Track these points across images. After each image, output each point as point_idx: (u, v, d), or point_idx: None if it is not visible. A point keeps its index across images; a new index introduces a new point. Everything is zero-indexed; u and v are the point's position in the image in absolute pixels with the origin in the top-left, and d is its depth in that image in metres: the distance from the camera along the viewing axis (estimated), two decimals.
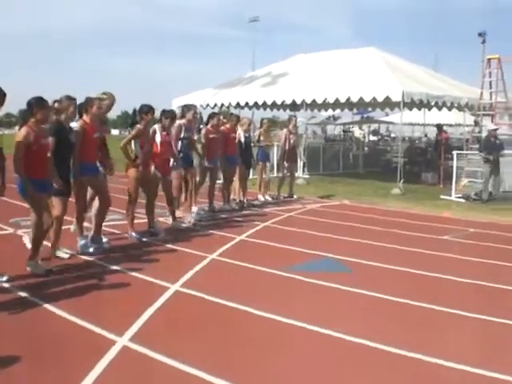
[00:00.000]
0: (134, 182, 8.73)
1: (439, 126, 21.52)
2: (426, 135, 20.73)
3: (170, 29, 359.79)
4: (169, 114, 9.72)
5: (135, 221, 9.01)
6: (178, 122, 10.30)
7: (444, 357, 4.50)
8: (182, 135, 10.27)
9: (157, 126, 9.39)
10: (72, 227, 8.29)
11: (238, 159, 12.46)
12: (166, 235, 9.09)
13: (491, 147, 14.99)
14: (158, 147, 9.29)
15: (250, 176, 14.31)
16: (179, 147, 10.17)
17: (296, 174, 19.04)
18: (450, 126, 31.19)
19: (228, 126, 12.42)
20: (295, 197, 14.75)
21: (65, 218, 7.35)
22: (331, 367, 4.42)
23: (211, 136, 11.53)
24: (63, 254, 7.32)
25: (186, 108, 10.80)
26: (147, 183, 8.92)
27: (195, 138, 11.09)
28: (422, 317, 5.67)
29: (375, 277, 7.18)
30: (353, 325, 5.27)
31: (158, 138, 9.32)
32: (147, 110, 8.89)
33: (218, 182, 12.25)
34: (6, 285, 6.13)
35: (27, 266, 6.56)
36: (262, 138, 14.08)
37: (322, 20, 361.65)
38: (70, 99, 7.29)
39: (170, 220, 10.01)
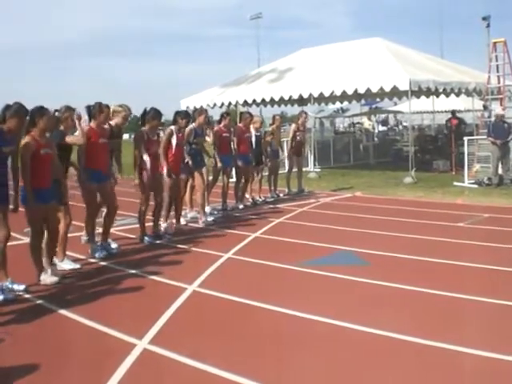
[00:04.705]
0: (141, 187, 8.73)
1: (453, 112, 21.51)
2: (457, 112, 20.27)
3: (170, 31, 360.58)
4: (185, 115, 9.79)
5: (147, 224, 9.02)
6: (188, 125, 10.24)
7: (471, 345, 4.48)
8: (191, 139, 10.14)
9: (173, 128, 9.41)
10: (83, 238, 8.32)
11: (251, 158, 12.44)
12: (171, 237, 9.12)
13: (499, 131, 14.92)
14: (173, 149, 9.33)
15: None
16: (188, 151, 10.06)
17: (307, 169, 19.06)
18: (460, 112, 31.04)
19: (241, 124, 12.39)
20: (306, 190, 14.72)
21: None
22: (355, 361, 4.39)
23: (224, 135, 11.52)
24: (67, 265, 7.21)
25: (198, 112, 10.73)
26: (156, 187, 8.89)
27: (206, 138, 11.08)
28: (446, 306, 5.63)
29: (394, 268, 7.14)
30: (374, 317, 5.25)
31: (174, 140, 9.34)
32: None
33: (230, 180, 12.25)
34: (24, 294, 6.16)
35: (40, 281, 6.54)
36: (273, 136, 13.99)
37: (322, 12, 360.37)
38: (70, 109, 7.25)
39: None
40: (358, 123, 38.48)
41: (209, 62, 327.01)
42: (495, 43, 17.12)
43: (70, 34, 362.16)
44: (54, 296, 6.12)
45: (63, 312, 5.61)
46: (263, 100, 20.96)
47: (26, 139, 6.33)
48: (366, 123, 35.72)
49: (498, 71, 17.10)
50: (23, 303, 5.91)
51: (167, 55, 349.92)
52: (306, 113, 15.67)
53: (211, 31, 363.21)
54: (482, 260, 7.17)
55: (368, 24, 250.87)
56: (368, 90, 17.98)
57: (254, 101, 20.95)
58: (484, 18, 21.59)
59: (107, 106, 7.94)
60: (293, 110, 30.93)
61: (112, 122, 8.30)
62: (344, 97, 22.44)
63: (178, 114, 9.71)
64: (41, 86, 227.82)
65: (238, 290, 6.13)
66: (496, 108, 16.52)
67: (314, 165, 20.64)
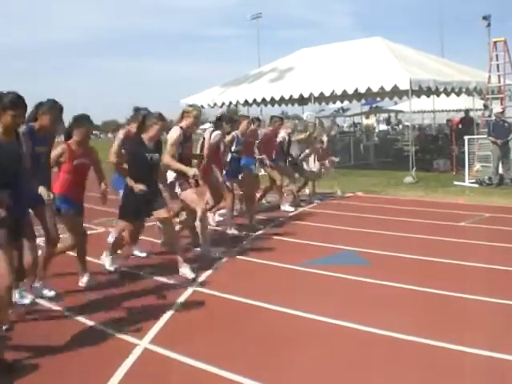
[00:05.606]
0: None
1: (466, 112, 21.64)
2: (457, 111, 20.43)
3: (170, 30, 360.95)
4: (229, 120, 9.44)
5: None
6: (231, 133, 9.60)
7: (474, 345, 4.48)
8: (233, 148, 9.53)
9: (220, 132, 8.88)
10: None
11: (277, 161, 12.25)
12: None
13: (499, 131, 14.93)
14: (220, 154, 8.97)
15: None
16: (229, 159, 9.49)
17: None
18: (460, 111, 31.07)
19: (271, 128, 12.18)
20: (307, 191, 14.64)
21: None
22: (356, 361, 4.38)
23: (249, 140, 11.21)
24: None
25: (242, 117, 10.35)
26: None
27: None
28: (448, 305, 5.63)
29: (396, 267, 7.13)
30: (376, 317, 5.24)
31: (222, 145, 8.96)
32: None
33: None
34: (26, 294, 6.13)
35: (87, 282, 6.48)
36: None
37: (322, 12, 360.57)
38: (160, 118, 6.97)
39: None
40: (359, 123, 38.56)
41: (209, 62, 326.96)
42: (495, 42, 17.15)
43: (70, 34, 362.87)
44: (54, 296, 6.09)
45: (64, 312, 5.61)
46: (264, 99, 20.97)
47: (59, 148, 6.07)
48: (365, 122, 35.81)
49: (498, 70, 17.12)
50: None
51: (167, 55, 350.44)
52: (336, 124, 15.38)
53: (211, 31, 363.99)
54: (483, 259, 7.16)
55: (368, 24, 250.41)
56: (368, 90, 17.99)
57: (255, 100, 20.97)
58: (484, 18, 21.63)
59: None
60: (293, 110, 31.00)
61: (183, 124, 7.56)
62: (344, 96, 22.48)
63: (221, 119, 9.29)
64: (41, 85, 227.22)
65: (238, 290, 6.12)
66: (497, 107, 16.54)
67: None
